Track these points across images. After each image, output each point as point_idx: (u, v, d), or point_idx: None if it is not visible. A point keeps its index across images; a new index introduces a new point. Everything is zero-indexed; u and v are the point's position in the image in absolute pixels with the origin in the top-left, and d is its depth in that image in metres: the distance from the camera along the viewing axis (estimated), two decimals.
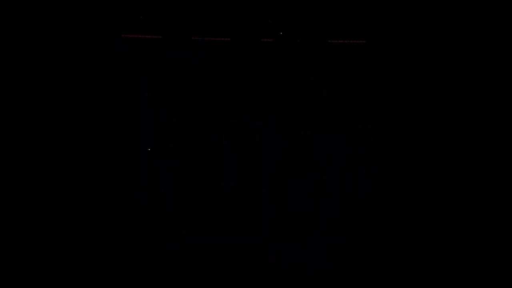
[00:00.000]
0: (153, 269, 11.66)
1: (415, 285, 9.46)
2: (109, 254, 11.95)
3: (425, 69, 14.45)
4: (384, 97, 14.84)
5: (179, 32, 13.29)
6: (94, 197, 12.92)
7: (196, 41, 13.66)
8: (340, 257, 11.90)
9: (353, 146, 14.77)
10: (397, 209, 13.83)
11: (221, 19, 13.51)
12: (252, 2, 12.75)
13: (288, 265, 11.73)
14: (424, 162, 14.41)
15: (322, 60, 14.08)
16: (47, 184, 13.07)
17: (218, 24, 13.63)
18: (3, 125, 12.75)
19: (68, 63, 13.55)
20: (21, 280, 9.50)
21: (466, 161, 14.24)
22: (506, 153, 13.84)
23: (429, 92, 14.59)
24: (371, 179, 14.81)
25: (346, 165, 14.66)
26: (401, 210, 13.74)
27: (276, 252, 12.44)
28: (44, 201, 12.86)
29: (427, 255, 11.76)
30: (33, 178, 12.85)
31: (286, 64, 14.29)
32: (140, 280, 10.91)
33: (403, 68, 14.18)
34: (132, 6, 12.96)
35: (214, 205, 13.58)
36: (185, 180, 14.32)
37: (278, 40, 12.30)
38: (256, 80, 14.65)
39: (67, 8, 12.57)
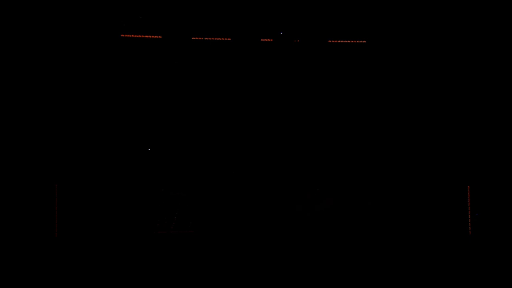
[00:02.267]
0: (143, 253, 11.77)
1: (413, 285, 9.40)
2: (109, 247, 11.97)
3: (425, 69, 14.34)
4: (384, 97, 14.74)
5: (179, 32, 13.26)
6: (95, 195, 12.90)
7: (196, 41, 13.61)
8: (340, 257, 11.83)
9: (353, 146, 14.69)
10: (397, 208, 13.73)
11: (221, 19, 13.45)
12: (252, 2, 12.71)
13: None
14: (424, 161, 14.31)
15: (322, 60, 14.00)
16: (48, 184, 13.01)
17: (218, 24, 13.57)
18: (3, 125, 12.69)
19: (68, 64, 13.47)
20: (19, 274, 9.44)
21: (465, 159, 14.16)
22: (502, 150, 13.77)
23: (429, 92, 14.48)
24: (372, 179, 14.74)
25: (346, 164, 14.60)
26: (400, 210, 13.64)
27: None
28: (45, 200, 12.81)
29: (425, 254, 11.68)
30: (34, 176, 12.75)
31: (285, 64, 14.22)
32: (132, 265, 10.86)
33: (403, 68, 14.09)
34: (132, 6, 12.90)
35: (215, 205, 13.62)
36: (185, 179, 14.27)
37: (278, 40, 12.27)
38: (256, 80, 14.61)
39: (67, 9, 12.49)
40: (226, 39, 14.48)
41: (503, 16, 13.29)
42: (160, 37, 13.78)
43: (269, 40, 13.13)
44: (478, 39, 13.55)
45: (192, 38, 13.90)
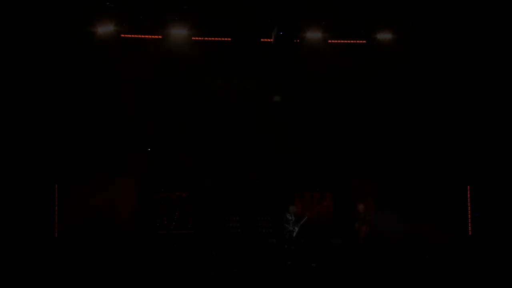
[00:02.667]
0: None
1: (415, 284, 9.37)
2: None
3: (427, 69, 14.29)
4: (385, 97, 14.68)
5: (179, 32, 13.25)
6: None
7: (196, 41, 13.62)
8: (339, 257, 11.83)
9: (353, 145, 14.64)
10: (396, 209, 13.68)
11: (221, 19, 13.44)
12: (252, 2, 12.68)
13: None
14: (425, 161, 14.26)
15: (322, 60, 14.00)
16: (48, 184, 13.05)
17: (218, 24, 13.57)
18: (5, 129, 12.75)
19: (69, 63, 13.47)
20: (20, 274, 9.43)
21: (465, 160, 14.13)
22: (502, 152, 13.75)
23: (430, 93, 14.44)
24: (373, 177, 14.70)
25: (346, 161, 14.54)
26: (400, 210, 13.60)
27: None
28: (45, 200, 12.87)
29: (425, 253, 11.65)
30: (34, 177, 12.79)
31: (285, 63, 14.19)
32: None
33: (404, 68, 14.05)
34: (132, 7, 12.89)
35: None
36: (181, 178, 14.30)
37: (277, 40, 12.24)
38: (256, 78, 14.61)
39: (68, 9, 12.52)
40: (226, 39, 14.46)
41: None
42: (160, 37, 13.75)
43: (269, 40, 13.07)
44: (483, 41, 13.52)
45: (192, 38, 13.87)
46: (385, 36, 14.18)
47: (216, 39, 14.75)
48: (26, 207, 12.95)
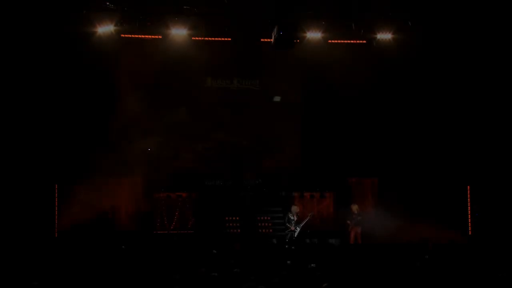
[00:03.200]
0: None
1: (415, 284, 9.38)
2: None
3: (427, 69, 14.28)
4: (384, 97, 14.66)
5: (179, 32, 13.26)
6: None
7: (196, 41, 13.61)
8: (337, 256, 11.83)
9: (353, 145, 14.61)
10: (396, 208, 13.68)
11: (221, 19, 13.44)
12: (252, 2, 12.69)
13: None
14: (425, 161, 14.25)
15: (322, 60, 14.00)
16: (48, 184, 13.04)
17: (218, 24, 13.58)
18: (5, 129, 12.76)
19: (68, 63, 13.47)
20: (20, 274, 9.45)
21: (467, 160, 14.10)
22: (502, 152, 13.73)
23: (429, 93, 14.43)
24: (372, 174, 14.67)
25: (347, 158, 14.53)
26: (399, 210, 13.59)
27: None
28: (47, 199, 12.87)
29: (424, 253, 11.64)
30: (34, 177, 12.78)
31: (286, 64, 14.16)
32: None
33: (404, 68, 14.04)
34: (132, 7, 12.89)
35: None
36: (181, 178, 14.29)
37: (277, 40, 12.28)
38: (256, 78, 14.58)
39: (68, 9, 12.55)
40: (226, 39, 14.48)
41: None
42: (160, 37, 13.78)
43: (269, 40, 13.08)
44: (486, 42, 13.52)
45: (192, 38, 13.90)
46: (385, 36, 14.26)
47: (216, 39, 14.80)
48: (26, 207, 12.98)
